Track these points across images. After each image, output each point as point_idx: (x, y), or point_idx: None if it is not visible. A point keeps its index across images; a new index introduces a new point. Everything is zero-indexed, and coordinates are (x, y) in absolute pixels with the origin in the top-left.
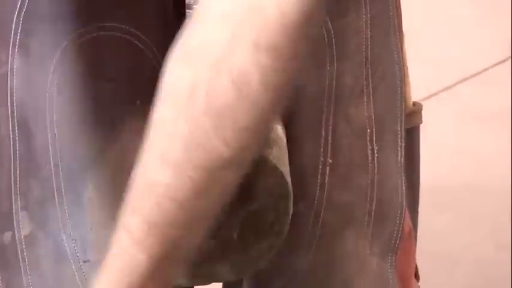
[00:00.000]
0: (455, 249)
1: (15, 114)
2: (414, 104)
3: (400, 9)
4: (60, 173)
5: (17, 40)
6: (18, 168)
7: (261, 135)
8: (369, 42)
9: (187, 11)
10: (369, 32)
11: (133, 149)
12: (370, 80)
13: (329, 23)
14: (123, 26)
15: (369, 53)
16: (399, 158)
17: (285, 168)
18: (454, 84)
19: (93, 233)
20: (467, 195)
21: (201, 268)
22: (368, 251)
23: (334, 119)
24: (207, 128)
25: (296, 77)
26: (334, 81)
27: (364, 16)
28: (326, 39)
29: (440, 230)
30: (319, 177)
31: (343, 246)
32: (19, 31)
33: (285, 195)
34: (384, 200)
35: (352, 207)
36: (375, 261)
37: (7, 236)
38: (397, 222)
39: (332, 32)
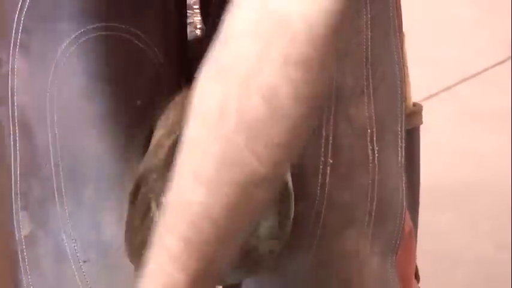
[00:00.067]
0: (455, 249)
1: (16, 114)
2: (414, 104)
3: (400, 9)
4: (61, 173)
5: (18, 40)
6: (18, 168)
7: (294, 151)
8: (369, 43)
9: (188, 11)
10: (369, 33)
11: (134, 148)
12: (370, 81)
13: None
14: (124, 26)
15: (369, 53)
16: (400, 158)
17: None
18: (454, 85)
19: (93, 233)
20: (467, 195)
21: None
22: (368, 251)
23: (334, 119)
24: (240, 145)
25: (326, 89)
26: (334, 82)
27: (364, 16)
28: None
29: (440, 230)
30: (319, 177)
31: (343, 246)
32: (20, 31)
33: (286, 198)
34: (384, 200)
35: (353, 207)
36: (375, 261)
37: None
38: (398, 222)
39: None
